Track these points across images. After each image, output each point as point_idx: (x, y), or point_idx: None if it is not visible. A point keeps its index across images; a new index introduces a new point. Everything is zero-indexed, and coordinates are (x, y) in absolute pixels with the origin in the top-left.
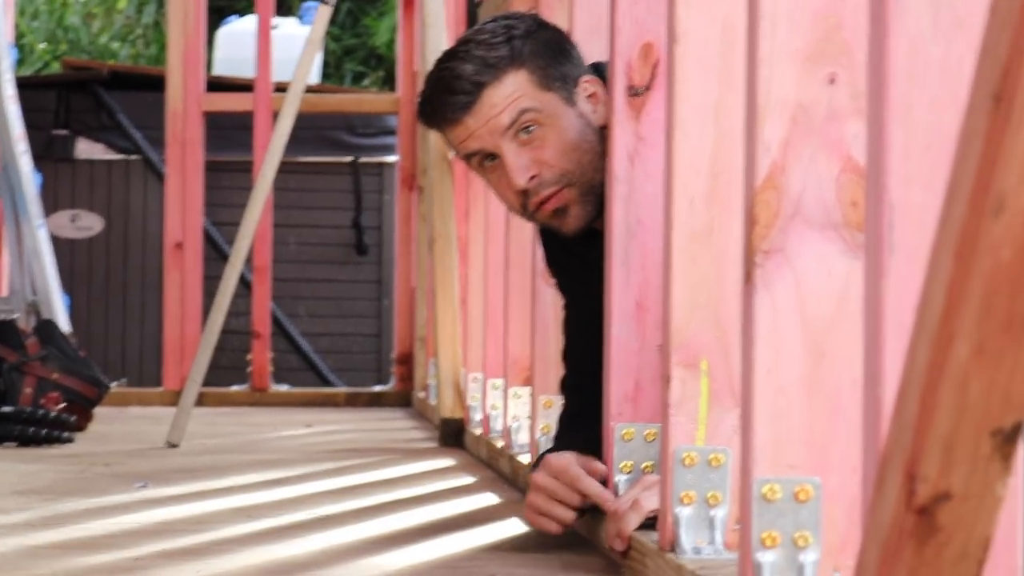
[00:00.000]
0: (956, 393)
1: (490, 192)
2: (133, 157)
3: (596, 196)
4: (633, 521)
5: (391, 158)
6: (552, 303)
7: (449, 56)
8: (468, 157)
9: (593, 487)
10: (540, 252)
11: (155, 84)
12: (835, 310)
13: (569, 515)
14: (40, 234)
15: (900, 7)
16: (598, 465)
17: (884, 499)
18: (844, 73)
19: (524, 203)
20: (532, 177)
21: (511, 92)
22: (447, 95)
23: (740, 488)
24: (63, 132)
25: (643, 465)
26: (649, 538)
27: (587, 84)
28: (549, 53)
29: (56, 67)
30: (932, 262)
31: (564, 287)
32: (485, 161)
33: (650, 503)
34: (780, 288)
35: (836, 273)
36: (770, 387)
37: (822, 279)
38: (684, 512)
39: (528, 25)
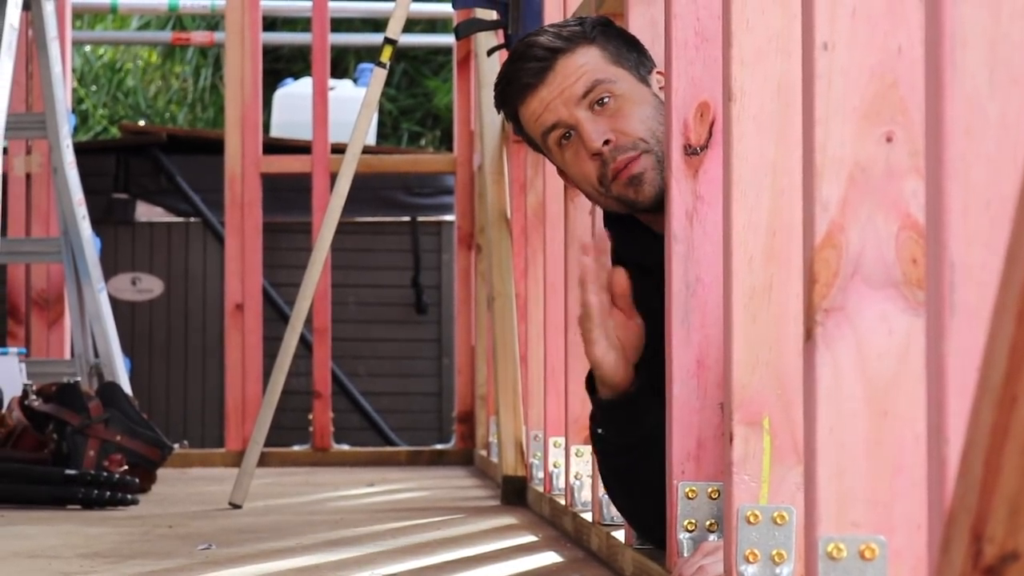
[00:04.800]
0: (1021, 454)
1: (550, 248)
2: (192, 219)
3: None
4: None
5: (449, 217)
6: None
7: (523, 38)
8: (545, 135)
9: None
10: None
11: (213, 147)
12: (897, 368)
13: None
14: (101, 297)
15: (956, 65)
16: None
17: (951, 560)
18: (901, 131)
19: (602, 173)
20: (607, 141)
21: (584, 62)
22: (522, 63)
23: (804, 546)
24: (123, 196)
25: (707, 523)
26: None
27: (660, 76)
28: (620, 40)
29: (114, 132)
30: (994, 323)
31: None
32: (563, 140)
33: (715, 569)
34: (841, 346)
35: (897, 331)
36: (833, 445)
37: (883, 337)
38: (749, 570)
39: (599, 20)
